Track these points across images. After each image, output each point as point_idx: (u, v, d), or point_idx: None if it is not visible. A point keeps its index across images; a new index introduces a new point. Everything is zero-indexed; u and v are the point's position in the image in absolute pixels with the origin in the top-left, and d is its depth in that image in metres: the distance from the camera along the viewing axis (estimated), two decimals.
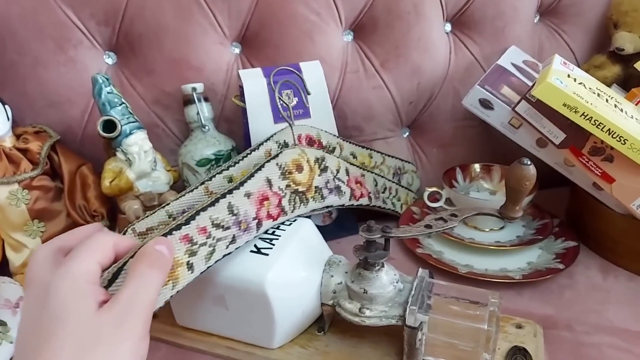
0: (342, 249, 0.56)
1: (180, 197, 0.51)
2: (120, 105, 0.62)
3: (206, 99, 0.69)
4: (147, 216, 0.50)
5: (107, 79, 0.62)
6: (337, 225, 0.72)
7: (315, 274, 0.50)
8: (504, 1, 0.78)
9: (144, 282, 0.32)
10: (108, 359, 0.29)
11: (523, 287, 0.58)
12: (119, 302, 0.30)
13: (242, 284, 0.47)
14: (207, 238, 0.42)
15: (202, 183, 0.52)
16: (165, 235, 0.40)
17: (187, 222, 0.41)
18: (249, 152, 0.58)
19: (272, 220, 0.49)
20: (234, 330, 0.51)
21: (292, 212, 0.52)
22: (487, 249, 0.63)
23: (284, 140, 0.60)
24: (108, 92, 0.61)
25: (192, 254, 0.41)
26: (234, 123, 0.74)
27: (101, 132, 0.60)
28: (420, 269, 0.50)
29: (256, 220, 0.47)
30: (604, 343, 0.50)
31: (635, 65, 0.69)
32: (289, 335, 0.50)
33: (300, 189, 0.53)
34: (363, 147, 0.72)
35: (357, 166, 0.65)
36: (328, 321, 0.52)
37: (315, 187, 0.56)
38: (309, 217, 0.56)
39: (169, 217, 0.50)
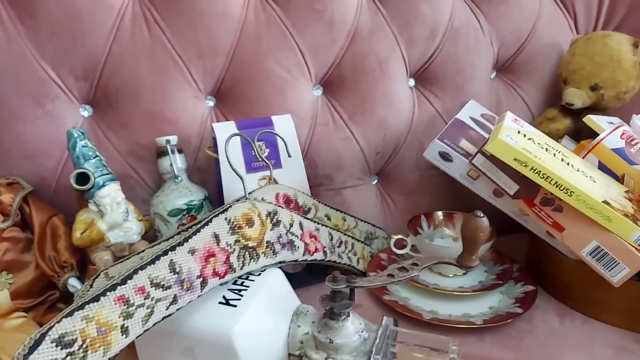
0: (312, 296, 0.57)
1: (155, 244, 0.52)
2: (94, 158, 0.64)
3: (180, 151, 0.71)
4: (120, 261, 0.51)
5: (82, 133, 0.64)
6: (307, 273, 0.73)
7: (282, 325, 0.51)
8: (462, 59, 0.84)
9: None
10: None
11: (485, 332, 0.60)
12: None
13: (210, 336, 0.47)
14: (145, 299, 0.41)
15: (179, 233, 0.53)
16: (97, 297, 0.39)
17: (123, 282, 0.40)
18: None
19: (218, 278, 0.47)
20: None
21: (241, 269, 0.50)
22: (450, 295, 0.65)
23: (262, 198, 0.62)
24: (83, 146, 0.63)
25: (128, 316, 0.40)
26: (207, 172, 0.76)
27: (74, 184, 0.61)
28: (384, 318, 0.52)
29: (201, 279, 0.45)
30: None
31: (583, 120, 0.74)
32: None
33: (251, 244, 0.51)
34: (337, 210, 0.74)
35: (312, 220, 0.64)
36: None
37: (267, 242, 0.53)
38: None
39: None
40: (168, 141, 0.70)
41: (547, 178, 0.56)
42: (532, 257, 0.74)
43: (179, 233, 0.54)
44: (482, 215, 0.49)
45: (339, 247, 0.68)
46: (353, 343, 0.49)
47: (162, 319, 0.43)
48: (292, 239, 0.58)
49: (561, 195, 0.57)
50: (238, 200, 0.56)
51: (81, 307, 0.38)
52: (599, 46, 0.78)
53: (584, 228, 0.57)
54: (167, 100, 0.73)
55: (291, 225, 0.58)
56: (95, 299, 0.39)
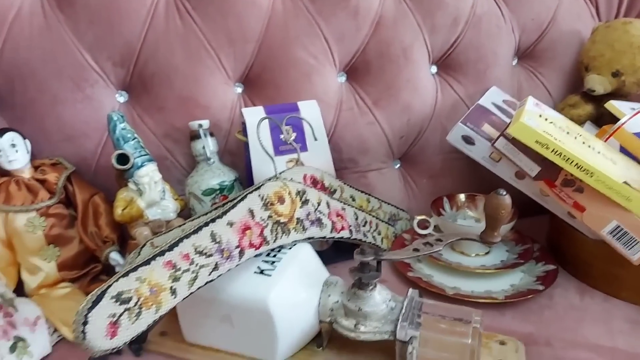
0: (338, 272, 0.60)
1: (195, 218, 0.56)
2: (132, 140, 0.67)
3: (211, 134, 0.75)
4: (164, 232, 0.54)
5: (121, 116, 0.67)
6: (333, 251, 0.76)
7: (314, 294, 0.54)
8: (484, 46, 0.86)
9: None
10: None
11: (506, 307, 0.62)
12: None
13: (246, 303, 0.51)
14: (190, 265, 0.45)
15: (216, 208, 0.56)
16: (148, 261, 0.43)
17: (170, 249, 0.44)
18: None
19: (254, 249, 0.51)
20: (240, 346, 0.54)
21: (274, 241, 0.53)
22: (473, 273, 0.67)
23: (291, 178, 0.64)
24: (122, 129, 0.67)
25: (176, 279, 0.44)
26: (236, 156, 0.79)
27: (115, 164, 0.65)
28: (410, 289, 0.54)
29: (239, 249, 0.49)
30: (581, 358, 0.54)
31: (605, 105, 0.76)
32: (290, 351, 0.54)
33: (282, 220, 0.55)
34: (362, 192, 0.76)
35: (338, 200, 0.66)
36: (326, 337, 0.56)
37: (297, 218, 0.57)
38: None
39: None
40: (201, 125, 0.73)
41: (567, 160, 0.58)
42: (552, 238, 0.75)
43: (215, 209, 0.57)
44: (504, 193, 0.51)
45: (364, 226, 0.71)
46: (381, 311, 0.51)
47: (205, 283, 0.46)
48: (320, 217, 0.61)
49: (581, 177, 0.58)
50: (270, 179, 0.59)
51: (134, 269, 0.42)
52: (619, 33, 0.79)
53: (604, 208, 0.59)
54: (199, 85, 0.77)
55: (319, 204, 0.61)
56: (146, 262, 0.43)
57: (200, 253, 0.46)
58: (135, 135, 0.68)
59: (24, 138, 0.67)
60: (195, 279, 0.45)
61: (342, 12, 0.80)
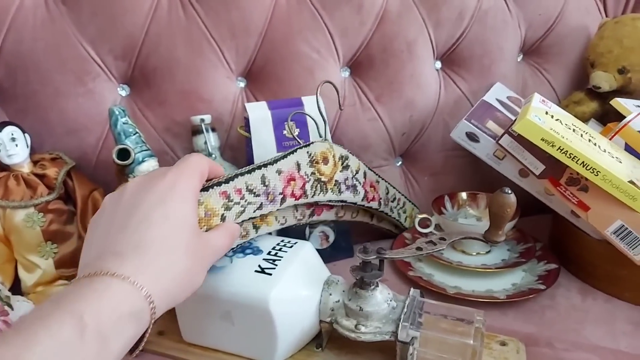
0: (338, 271, 0.60)
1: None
2: (134, 135, 0.67)
3: (213, 129, 0.74)
4: None
5: (123, 111, 0.66)
6: (333, 249, 0.76)
7: (314, 293, 0.54)
8: (489, 41, 0.85)
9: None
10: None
11: (507, 307, 0.62)
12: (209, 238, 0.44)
13: (247, 301, 0.51)
14: (240, 199, 0.50)
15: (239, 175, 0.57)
16: (207, 188, 0.47)
17: (226, 182, 0.48)
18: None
19: (294, 199, 0.56)
20: (238, 345, 0.54)
21: (312, 197, 0.58)
22: (474, 272, 0.67)
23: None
24: (123, 123, 0.66)
25: (227, 208, 0.48)
26: (238, 151, 0.79)
27: (116, 159, 0.64)
28: (412, 289, 0.54)
29: (282, 196, 0.54)
30: (582, 359, 0.54)
31: (611, 102, 0.75)
32: (290, 351, 0.54)
33: (323, 179, 0.60)
34: (374, 172, 0.75)
35: (374, 172, 0.71)
36: (326, 338, 0.55)
37: (336, 180, 0.62)
38: (308, 240, 0.60)
39: None
40: (203, 120, 0.72)
41: (573, 158, 0.58)
42: (555, 237, 0.75)
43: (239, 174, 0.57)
44: (509, 191, 0.50)
45: (392, 202, 0.75)
46: (382, 311, 0.51)
47: (249, 218, 0.51)
48: (355, 184, 0.66)
49: (587, 175, 0.58)
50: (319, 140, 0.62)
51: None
52: (628, 29, 0.78)
53: (608, 207, 0.59)
54: (201, 79, 0.76)
55: (357, 172, 0.66)
56: (206, 189, 0.47)
57: (250, 191, 0.51)
58: (137, 130, 0.68)
59: (24, 132, 0.67)
60: (242, 212, 0.50)
61: (347, 6, 0.79)
